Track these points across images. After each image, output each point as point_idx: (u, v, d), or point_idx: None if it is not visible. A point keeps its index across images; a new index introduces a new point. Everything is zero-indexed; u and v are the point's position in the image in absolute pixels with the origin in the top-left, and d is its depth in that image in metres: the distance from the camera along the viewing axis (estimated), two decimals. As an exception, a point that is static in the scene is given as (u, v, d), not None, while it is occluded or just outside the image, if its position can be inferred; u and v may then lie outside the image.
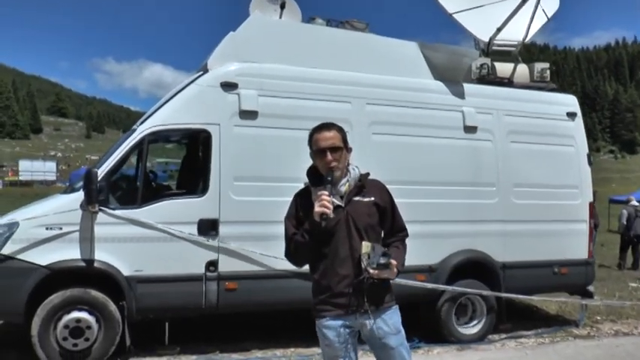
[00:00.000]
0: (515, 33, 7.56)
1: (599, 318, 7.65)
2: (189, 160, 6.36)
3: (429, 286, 5.95)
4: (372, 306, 2.75)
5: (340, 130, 2.86)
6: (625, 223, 13.72)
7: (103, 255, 4.92)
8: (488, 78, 7.04)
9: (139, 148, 5.17)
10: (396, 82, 6.12)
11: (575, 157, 7.00)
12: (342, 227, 2.76)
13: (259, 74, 5.40)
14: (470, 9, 7.53)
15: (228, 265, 5.19)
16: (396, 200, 5.73)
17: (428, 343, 6.13)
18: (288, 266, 5.26)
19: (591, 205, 7.10)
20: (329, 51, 5.95)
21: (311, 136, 2.86)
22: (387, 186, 5.71)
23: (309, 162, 5.42)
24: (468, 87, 6.57)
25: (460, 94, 6.47)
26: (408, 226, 5.83)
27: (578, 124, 7.16)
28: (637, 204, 14.23)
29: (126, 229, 4.98)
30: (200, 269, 5.13)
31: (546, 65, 7.75)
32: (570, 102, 7.26)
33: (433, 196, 6.07)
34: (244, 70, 5.37)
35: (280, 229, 5.28)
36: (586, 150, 7.17)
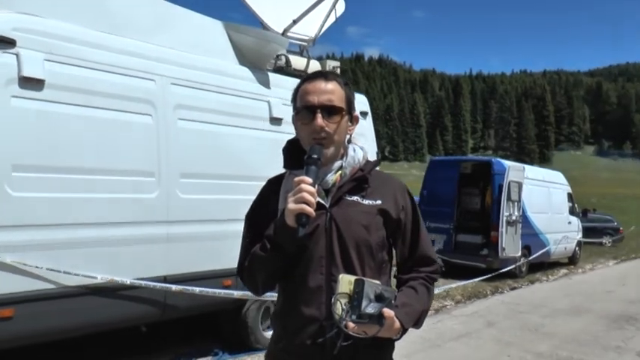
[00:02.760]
0: (307, 28, 7.47)
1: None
2: None
3: (236, 294, 5.36)
4: None
5: (345, 85, 1.80)
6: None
7: None
8: (286, 70, 6.78)
9: None
10: (204, 62, 5.37)
11: (369, 154, 7.15)
12: (318, 241, 1.70)
13: (46, 32, 4.09)
14: (264, -4, 7.19)
15: (1, 285, 3.81)
16: (204, 196, 5.24)
17: (233, 353, 5.65)
18: (86, 281, 4.29)
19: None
20: (127, 17, 4.89)
21: (298, 87, 1.81)
22: (192, 180, 5.13)
23: (119, 148, 4.49)
24: (273, 76, 6.18)
25: (266, 83, 6.03)
26: (212, 226, 5.39)
27: (369, 122, 7.36)
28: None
29: None
30: (-40, 294, 3.62)
31: (337, 64, 7.82)
32: (362, 100, 7.41)
33: (241, 191, 5.48)
34: (26, 23, 4.01)
35: (76, 234, 4.26)
36: (375, 147, 7.41)
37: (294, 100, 1.81)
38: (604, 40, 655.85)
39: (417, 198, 21.56)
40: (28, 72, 3.94)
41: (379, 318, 1.54)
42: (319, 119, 1.70)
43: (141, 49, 4.80)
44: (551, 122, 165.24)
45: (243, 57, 5.92)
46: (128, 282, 4.46)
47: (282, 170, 1.90)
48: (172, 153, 4.90)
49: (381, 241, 1.76)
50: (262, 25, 7.03)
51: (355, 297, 1.55)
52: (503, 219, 11.31)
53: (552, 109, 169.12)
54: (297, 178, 1.62)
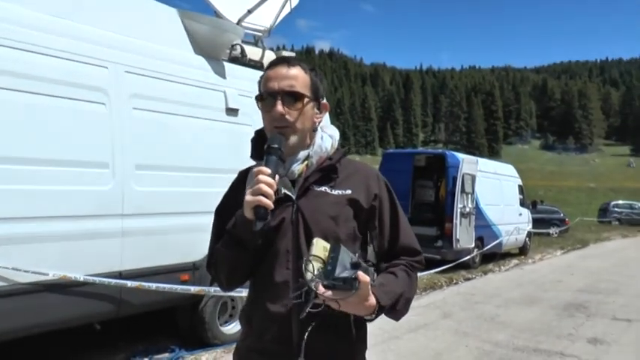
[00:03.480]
0: (262, 19, 7.35)
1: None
2: None
3: (193, 289, 5.23)
4: None
5: (310, 70, 1.72)
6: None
7: None
8: (242, 60, 6.66)
9: None
10: (160, 51, 5.20)
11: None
12: (285, 234, 1.63)
13: (-12, 14, 3.87)
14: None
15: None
16: (160, 189, 5.06)
17: (190, 350, 5.53)
18: (37, 278, 4.05)
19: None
20: (79, 1, 4.69)
21: (263, 73, 1.73)
22: (147, 172, 4.95)
23: (70, 138, 4.29)
24: (228, 66, 6.04)
25: (222, 73, 5.89)
26: (169, 219, 5.22)
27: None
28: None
29: None
30: None
31: (293, 55, 7.74)
32: (319, 92, 7.35)
33: (198, 184, 5.37)
34: (-36, 3, 3.78)
35: (25, 229, 4.02)
36: (332, 139, 7.36)
37: (259, 88, 1.73)
38: (549, 39, 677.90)
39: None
40: (-34, 56, 3.70)
41: (353, 281, 1.42)
42: (279, 106, 1.62)
43: (93, 35, 4.59)
44: (500, 117, 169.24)
45: (199, 46, 5.77)
46: (81, 278, 4.27)
47: (240, 162, 1.83)
48: (127, 143, 4.72)
49: (351, 233, 1.67)
50: (216, 14, 6.88)
51: (330, 262, 1.44)
52: (457, 211, 11.47)
53: (501, 104, 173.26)
54: (255, 169, 1.54)
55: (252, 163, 1.79)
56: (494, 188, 13.90)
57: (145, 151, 4.86)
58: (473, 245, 12.13)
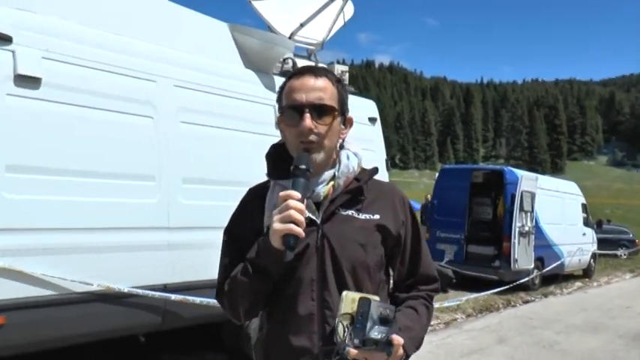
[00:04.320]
0: (316, 32, 7.32)
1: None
2: None
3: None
4: None
5: (337, 82, 1.59)
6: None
7: None
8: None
9: None
10: (209, 64, 5.22)
11: (372, 161, 6.94)
12: (309, 261, 1.50)
13: (44, 29, 3.94)
14: (272, -2, 7.04)
15: (-8, 292, 3.63)
16: (207, 202, 5.05)
17: (236, 366, 5.46)
18: (81, 288, 4.09)
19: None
20: (128, 17, 4.75)
21: (284, 84, 1.60)
22: (195, 185, 4.93)
23: (117, 151, 4.34)
24: (279, 80, 6.00)
25: (272, 87, 5.86)
26: (216, 233, 5.17)
27: (378, 129, 7.16)
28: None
29: None
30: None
31: (345, 68, 7.64)
32: (371, 106, 7.22)
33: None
34: (23, 19, 3.86)
35: (71, 239, 4.08)
36: (384, 155, 7.20)
37: (279, 99, 1.61)
38: (616, 51, 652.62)
39: (417, 205, 21.15)
40: (24, 69, 3.80)
41: (387, 345, 1.34)
42: (307, 120, 1.49)
43: (142, 50, 4.65)
44: (564, 132, 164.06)
45: (249, 60, 5.77)
46: (125, 290, 4.29)
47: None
48: (173, 157, 4.73)
49: (379, 260, 1.56)
50: (269, 28, 6.89)
51: (359, 318, 1.35)
52: (515, 230, 11.03)
53: (565, 119, 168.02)
54: (282, 193, 1.41)
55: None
56: (555, 206, 13.31)
57: (192, 165, 4.86)
58: (532, 266, 11.62)
